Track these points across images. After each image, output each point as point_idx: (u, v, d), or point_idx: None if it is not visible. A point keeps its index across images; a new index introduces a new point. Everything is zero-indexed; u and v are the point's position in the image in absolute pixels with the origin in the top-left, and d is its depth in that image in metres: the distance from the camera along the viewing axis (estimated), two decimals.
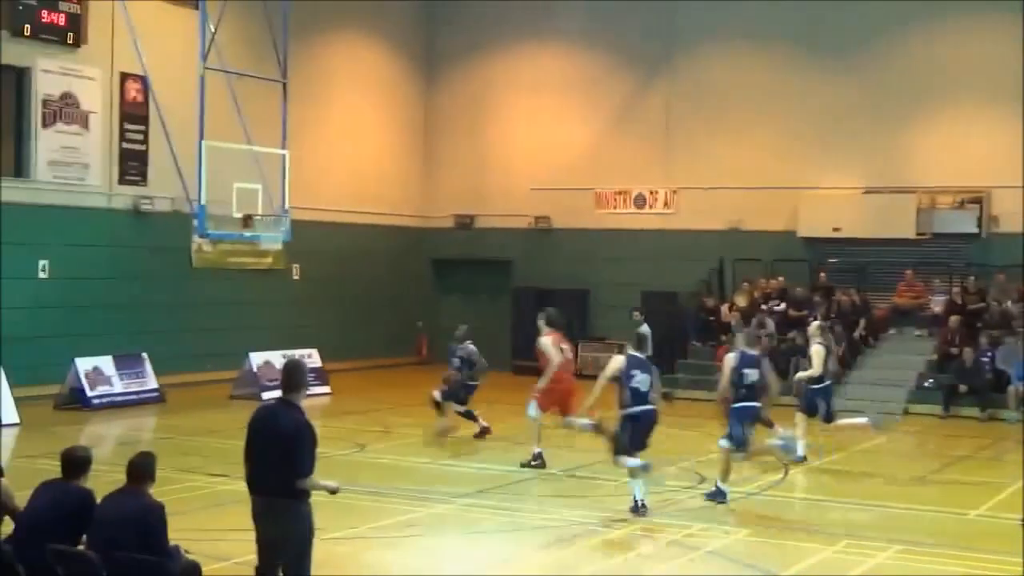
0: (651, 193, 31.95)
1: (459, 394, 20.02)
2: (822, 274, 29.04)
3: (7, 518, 9.77)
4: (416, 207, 34.44)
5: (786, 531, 14.03)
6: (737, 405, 15.31)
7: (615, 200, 32.37)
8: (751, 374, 15.34)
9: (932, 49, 29.02)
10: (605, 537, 13.59)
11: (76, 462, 9.65)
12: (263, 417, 9.07)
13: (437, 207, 34.46)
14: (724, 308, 28.73)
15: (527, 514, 14.62)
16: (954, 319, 26.09)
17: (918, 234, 28.32)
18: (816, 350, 18.60)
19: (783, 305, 28.17)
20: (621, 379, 14.60)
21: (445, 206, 34.31)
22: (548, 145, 32.94)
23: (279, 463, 8.80)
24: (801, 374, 18.92)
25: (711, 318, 28.93)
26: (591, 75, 32.75)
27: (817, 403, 18.68)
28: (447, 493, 15.58)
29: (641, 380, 14.58)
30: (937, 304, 27.44)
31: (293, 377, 9.13)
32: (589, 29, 32.71)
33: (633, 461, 14.46)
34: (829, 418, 18.75)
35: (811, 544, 13.27)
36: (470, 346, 20.30)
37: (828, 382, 18.87)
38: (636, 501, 14.40)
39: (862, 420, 19.24)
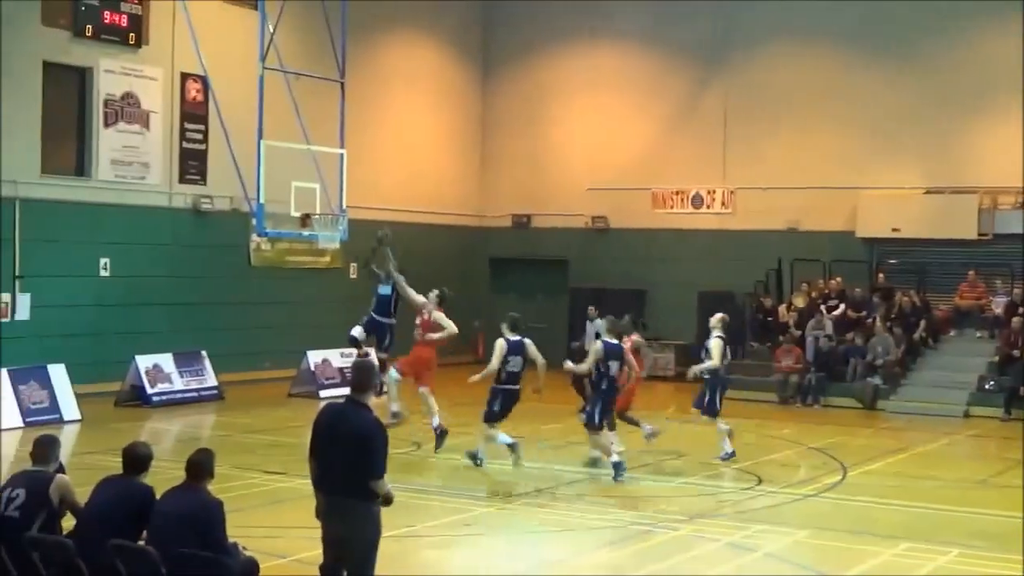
0: (708, 193, 31.82)
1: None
2: (880, 275, 28.80)
3: (68, 514, 9.87)
4: (473, 206, 34.50)
5: (845, 533, 13.91)
6: (603, 388, 16.70)
7: (672, 200, 32.26)
8: (614, 365, 16.66)
9: (994, 46, 28.69)
10: (661, 538, 13.53)
11: (137, 458, 9.73)
12: (332, 417, 9.02)
13: (494, 206, 34.50)
14: (782, 308, 28.56)
15: (583, 514, 14.58)
16: (1016, 320, 25.78)
17: (979, 235, 28.01)
18: (715, 343, 18.37)
19: (841, 306, 27.96)
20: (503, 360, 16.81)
21: (502, 205, 34.35)
22: (605, 145, 32.88)
23: (350, 463, 8.75)
24: (700, 366, 18.56)
25: (768, 319, 28.76)
26: (648, 74, 32.66)
27: (707, 394, 18.38)
28: (504, 492, 15.59)
29: (515, 363, 16.88)
30: (998, 305, 27.14)
31: (362, 377, 9.13)
32: (646, 28, 32.62)
33: (504, 438, 16.82)
34: (713, 412, 18.32)
35: (870, 547, 13.14)
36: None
37: (723, 375, 18.68)
38: (475, 456, 16.99)
39: (648, 428, 18.87)
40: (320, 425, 9.01)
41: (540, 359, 17.01)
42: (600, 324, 20.59)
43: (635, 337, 19.11)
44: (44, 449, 10.00)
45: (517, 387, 17.02)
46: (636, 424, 18.75)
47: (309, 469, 9.11)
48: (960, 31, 29.03)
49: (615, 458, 16.48)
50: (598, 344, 16.78)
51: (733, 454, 18.04)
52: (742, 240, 30.77)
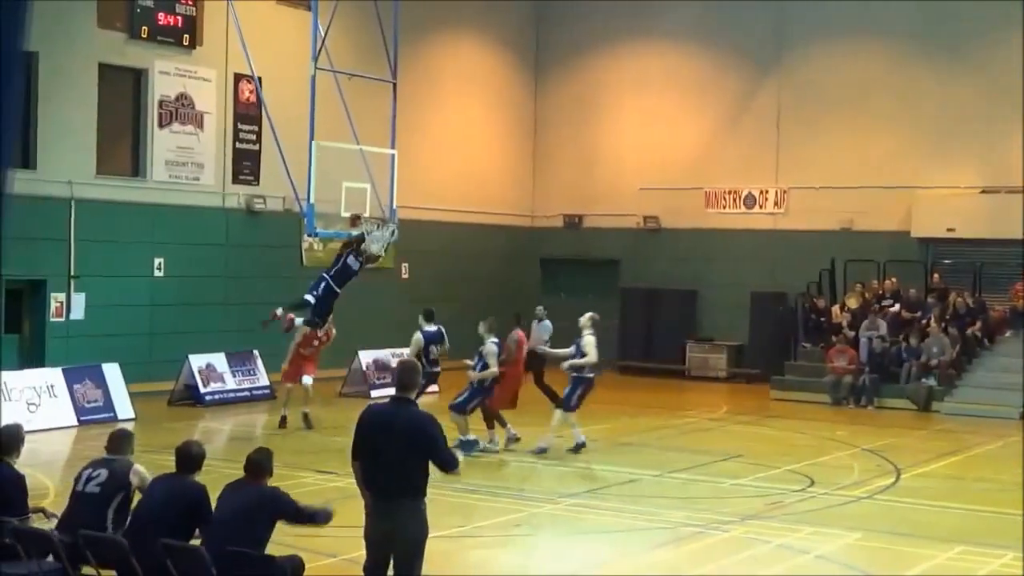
0: (761, 193, 31.64)
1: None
2: (935, 275, 28.54)
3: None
4: (525, 207, 34.49)
5: (898, 536, 13.79)
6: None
7: (724, 200, 32.10)
8: (434, 351, 19.35)
9: None
10: (712, 540, 13.48)
11: (190, 457, 9.83)
12: (381, 416, 8.95)
13: (546, 207, 34.48)
14: (835, 309, 28.36)
15: (634, 515, 14.54)
16: None
17: None
18: (588, 340, 18.53)
19: (896, 306, 27.74)
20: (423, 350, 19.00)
21: (554, 206, 34.32)
22: (657, 144, 32.78)
23: (402, 460, 8.71)
24: (574, 361, 18.47)
25: (822, 319, 28.57)
26: (700, 74, 32.53)
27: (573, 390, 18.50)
28: (553, 493, 15.58)
29: (433, 350, 19.39)
30: None
31: (406, 376, 9.11)
32: (698, 28, 32.48)
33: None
34: (569, 407, 18.44)
35: (923, 550, 13.03)
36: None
37: (592, 374, 18.63)
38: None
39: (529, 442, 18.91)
40: (366, 426, 8.94)
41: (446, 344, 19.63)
42: (548, 325, 22.96)
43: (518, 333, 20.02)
44: (120, 442, 10.38)
45: (438, 370, 19.79)
46: (502, 424, 18.99)
47: (353, 470, 9.06)
48: (1015, 29, 28.67)
49: (470, 436, 18.08)
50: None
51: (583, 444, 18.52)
52: (795, 240, 30.57)
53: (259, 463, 9.61)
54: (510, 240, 33.70)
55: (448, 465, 8.86)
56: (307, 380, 20.99)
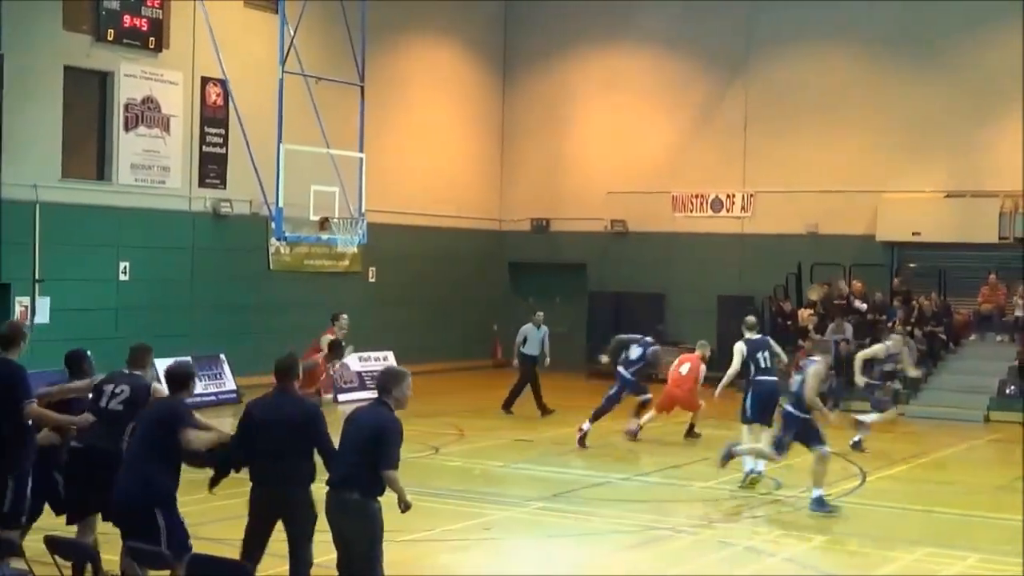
0: (728, 196, 31.75)
1: None
2: (896, 279, 28.71)
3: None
4: (493, 210, 34.49)
5: (864, 538, 13.86)
6: None
7: (692, 203, 32.19)
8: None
9: (1015, 49, 28.53)
10: (681, 542, 13.51)
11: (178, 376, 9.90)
12: (353, 414, 9.31)
13: (514, 210, 34.48)
14: (802, 312, 28.46)
15: (601, 518, 14.55)
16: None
17: (1000, 238, 27.90)
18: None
19: (864, 306, 27.88)
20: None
21: (522, 209, 34.33)
22: (625, 148, 32.84)
23: (358, 458, 8.97)
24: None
25: (788, 322, 28.67)
26: (668, 78, 32.61)
27: None
28: (521, 497, 15.58)
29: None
30: (1020, 309, 26.98)
31: (387, 379, 9.35)
32: (667, 31, 32.55)
33: None
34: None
35: (889, 552, 13.11)
36: None
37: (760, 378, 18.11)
38: None
39: None
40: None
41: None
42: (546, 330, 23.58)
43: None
44: (142, 355, 10.83)
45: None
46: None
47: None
48: (981, 35, 28.91)
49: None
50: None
51: None
52: (761, 244, 30.69)
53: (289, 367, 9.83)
54: (478, 244, 33.69)
55: (386, 465, 9.02)
56: None
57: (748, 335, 17.48)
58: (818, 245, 29.86)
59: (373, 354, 26.17)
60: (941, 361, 26.95)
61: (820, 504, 14.76)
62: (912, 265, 29.19)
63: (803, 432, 15.03)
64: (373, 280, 30.29)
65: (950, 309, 27.69)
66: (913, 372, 21.44)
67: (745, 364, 17.28)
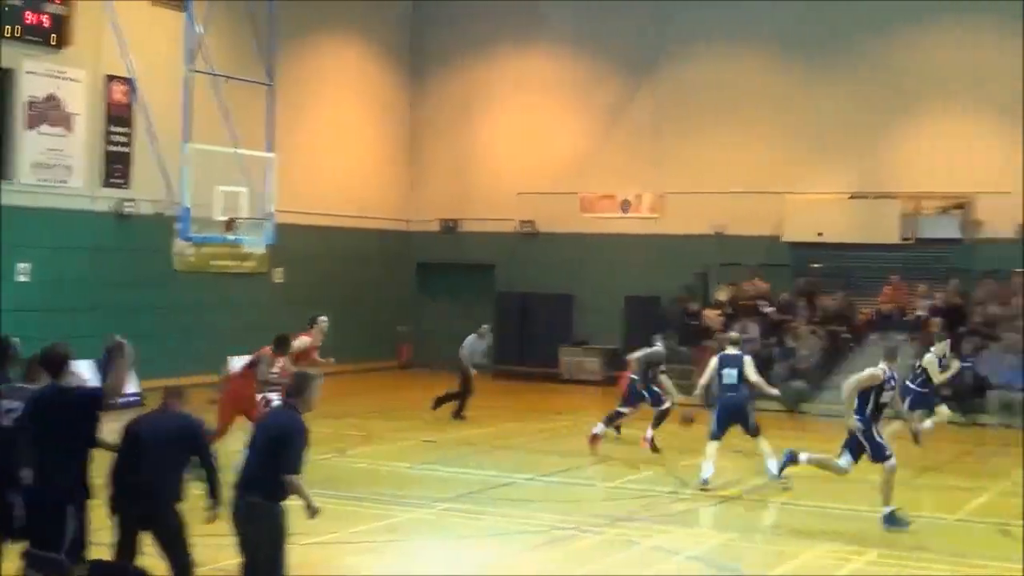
0: (636, 197, 31.95)
1: None
2: (802, 279, 29.10)
3: None
4: (401, 210, 34.40)
5: (767, 535, 14.05)
6: None
7: (600, 204, 32.35)
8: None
9: (918, 54, 29.12)
10: (586, 542, 13.58)
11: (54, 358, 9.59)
12: (264, 418, 9.60)
13: (422, 211, 34.42)
14: (707, 312, 28.72)
15: (507, 519, 14.59)
16: (937, 323, 26.04)
17: (902, 239, 28.39)
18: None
19: (771, 308, 28.20)
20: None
21: (430, 210, 34.27)
22: (534, 148, 32.93)
23: (261, 461, 9.00)
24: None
25: (694, 322, 28.93)
26: (578, 78, 32.75)
27: None
28: (427, 498, 15.55)
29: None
30: (922, 309, 27.45)
31: (299, 384, 9.42)
32: (576, 32, 32.70)
33: None
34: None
35: (792, 548, 13.29)
36: None
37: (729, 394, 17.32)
38: None
39: None
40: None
41: None
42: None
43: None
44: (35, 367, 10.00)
45: None
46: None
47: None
48: (885, 37, 29.38)
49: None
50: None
51: None
52: (670, 244, 30.92)
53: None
54: (386, 244, 33.60)
55: (287, 470, 8.97)
56: None
57: (729, 350, 17.34)
58: (725, 246, 30.16)
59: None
60: (844, 360, 27.31)
61: (893, 521, 14.34)
62: (816, 265, 29.58)
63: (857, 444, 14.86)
64: (280, 281, 30.09)
65: (853, 308, 28.09)
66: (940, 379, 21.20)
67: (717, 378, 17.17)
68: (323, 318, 18.73)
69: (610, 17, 32.15)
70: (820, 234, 29.05)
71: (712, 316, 28.44)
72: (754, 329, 27.44)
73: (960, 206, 28.31)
